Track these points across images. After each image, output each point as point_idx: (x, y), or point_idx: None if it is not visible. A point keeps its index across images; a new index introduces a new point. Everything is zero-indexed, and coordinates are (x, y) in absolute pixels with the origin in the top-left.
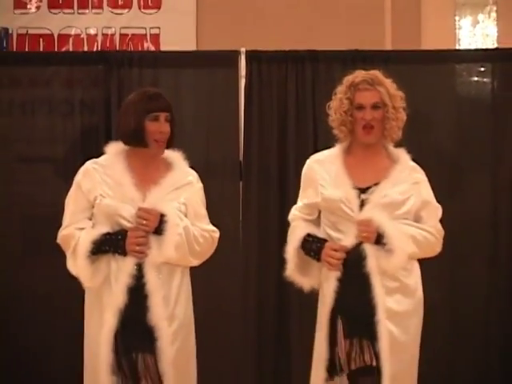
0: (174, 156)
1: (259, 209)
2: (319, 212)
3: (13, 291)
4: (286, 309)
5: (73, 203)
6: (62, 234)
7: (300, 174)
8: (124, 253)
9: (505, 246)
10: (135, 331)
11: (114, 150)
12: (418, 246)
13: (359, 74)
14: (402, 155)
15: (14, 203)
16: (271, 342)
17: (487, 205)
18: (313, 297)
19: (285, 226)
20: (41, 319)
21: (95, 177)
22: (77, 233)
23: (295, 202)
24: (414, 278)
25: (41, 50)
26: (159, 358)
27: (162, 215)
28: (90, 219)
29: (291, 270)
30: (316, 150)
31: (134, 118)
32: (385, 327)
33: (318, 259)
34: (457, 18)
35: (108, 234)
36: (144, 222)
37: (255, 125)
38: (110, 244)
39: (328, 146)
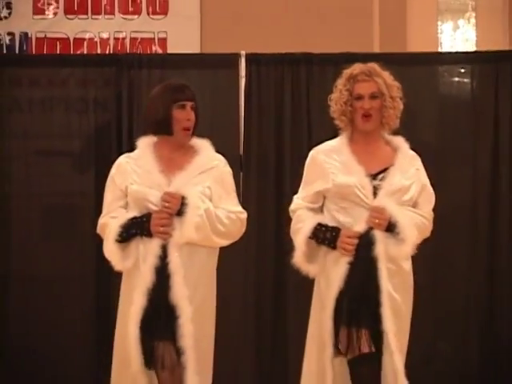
0: (201, 143)
1: (258, 196)
2: (323, 200)
3: (32, 274)
4: (284, 294)
5: (108, 194)
6: (100, 222)
7: (295, 166)
8: (150, 234)
9: (484, 232)
10: (160, 311)
11: (144, 143)
12: (419, 232)
13: (357, 67)
14: (402, 143)
15: (33, 193)
16: (269, 325)
17: (468, 194)
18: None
19: (281, 211)
20: (56, 301)
21: (126, 169)
22: (110, 221)
23: (291, 190)
24: (409, 262)
25: (58, 52)
26: (179, 336)
27: (184, 198)
28: (125, 208)
29: (299, 258)
30: (310, 144)
31: (162, 107)
32: (387, 308)
33: (334, 247)
34: (439, 23)
35: (135, 217)
36: (167, 204)
37: (254, 121)
38: (137, 227)
39: (320, 140)
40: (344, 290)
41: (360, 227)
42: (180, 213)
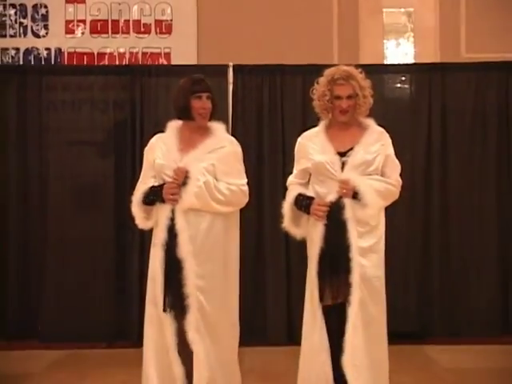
0: (216, 126)
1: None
2: (309, 176)
3: (65, 237)
4: (263, 250)
5: (143, 168)
6: (136, 188)
7: (272, 153)
8: (163, 201)
9: (420, 202)
10: (172, 263)
11: (171, 125)
12: (383, 197)
13: (337, 71)
14: (371, 123)
15: (66, 174)
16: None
17: (407, 178)
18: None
19: (260, 190)
20: (83, 258)
21: (155, 146)
22: (140, 187)
23: (269, 174)
24: (378, 221)
25: (84, 63)
26: (184, 283)
27: (188, 172)
28: (155, 178)
29: (287, 222)
30: (283, 136)
31: (183, 97)
32: (356, 262)
33: (308, 212)
34: (385, 41)
35: (153, 186)
36: (175, 177)
37: (239, 119)
38: (154, 194)
39: (292, 134)
40: (324, 248)
41: (333, 196)
42: (184, 184)
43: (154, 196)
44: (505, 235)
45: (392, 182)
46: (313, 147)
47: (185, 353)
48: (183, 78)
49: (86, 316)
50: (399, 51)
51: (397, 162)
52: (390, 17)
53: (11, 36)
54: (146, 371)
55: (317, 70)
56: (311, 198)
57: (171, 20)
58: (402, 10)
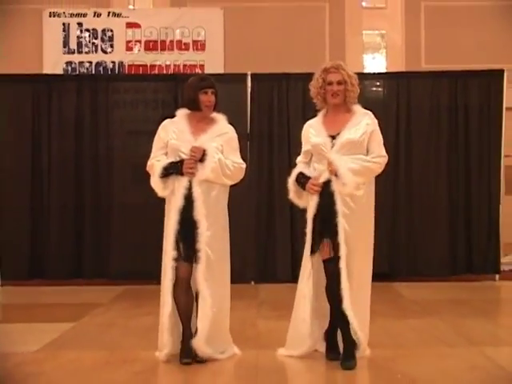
0: (219, 116)
1: (258, 156)
2: (311, 156)
3: (125, 202)
4: (273, 211)
5: (155, 145)
6: (148, 164)
7: (280, 141)
8: (181, 174)
9: (390, 179)
10: (186, 224)
11: (181, 113)
12: (361, 175)
13: (329, 63)
14: (358, 108)
15: (126, 156)
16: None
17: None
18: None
19: (271, 166)
20: (140, 219)
21: (168, 128)
22: (155, 163)
23: (278, 157)
24: (364, 191)
25: (140, 73)
26: (198, 239)
27: (205, 151)
28: (166, 155)
29: (291, 195)
30: (288, 126)
31: (192, 92)
32: (342, 225)
33: (304, 189)
34: (364, 55)
35: (172, 162)
36: (193, 154)
37: (255, 115)
38: (174, 168)
39: (296, 128)
40: (316, 213)
41: (326, 173)
42: (202, 160)
43: (173, 170)
44: (453, 202)
45: (372, 160)
46: (312, 132)
47: (189, 294)
48: (192, 77)
49: (142, 260)
50: (375, 63)
51: (381, 137)
52: (367, 37)
53: (86, 53)
54: (163, 299)
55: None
56: (307, 178)
57: (204, 40)
58: (377, 32)
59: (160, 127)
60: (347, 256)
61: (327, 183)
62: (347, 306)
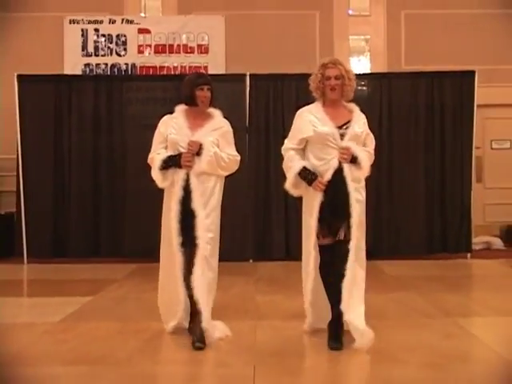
0: (214, 111)
1: (256, 147)
2: (305, 144)
3: (138, 189)
4: (270, 198)
5: (155, 139)
6: (149, 157)
7: (275, 134)
8: (180, 166)
9: None
10: (186, 213)
11: (179, 109)
12: (370, 162)
13: (328, 58)
14: (355, 107)
15: (138, 147)
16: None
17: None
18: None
19: (268, 156)
20: (151, 204)
21: (168, 123)
22: (156, 156)
23: (273, 148)
24: (364, 180)
25: (150, 74)
26: (196, 228)
27: (201, 145)
28: (166, 148)
29: (289, 186)
30: (283, 121)
31: (189, 88)
32: (354, 208)
33: (309, 184)
34: (350, 58)
35: (171, 155)
36: (191, 148)
37: (254, 111)
38: (172, 161)
39: (289, 122)
40: (324, 201)
41: (333, 162)
42: (198, 153)
43: (172, 163)
44: (430, 189)
45: (371, 152)
46: (315, 120)
47: (189, 279)
48: (190, 74)
49: (152, 240)
50: (360, 65)
51: (372, 136)
52: (353, 42)
53: (102, 55)
54: (175, 287)
55: (305, 77)
56: (314, 174)
57: (208, 44)
58: (362, 37)
59: (160, 122)
60: (357, 237)
61: (338, 171)
62: (347, 284)
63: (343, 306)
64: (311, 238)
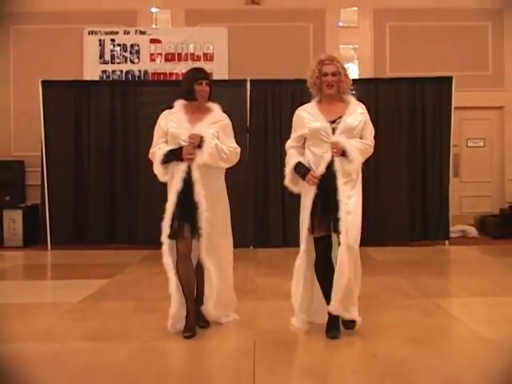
0: (213, 105)
1: (256, 146)
2: (304, 141)
3: (152, 185)
4: (268, 191)
5: (156, 134)
6: (151, 152)
7: (272, 133)
8: (181, 159)
9: None
10: (186, 205)
11: (179, 103)
12: (362, 154)
13: (324, 55)
14: (351, 98)
15: (150, 145)
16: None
17: None
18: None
19: (266, 155)
20: (162, 197)
21: (168, 117)
22: (157, 151)
23: (271, 145)
24: (357, 174)
25: (161, 79)
26: (198, 219)
27: (202, 137)
28: (166, 142)
29: (287, 182)
30: (280, 121)
31: (188, 83)
32: (343, 202)
33: (303, 179)
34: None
35: (172, 149)
36: (192, 141)
37: (254, 113)
38: (174, 154)
39: (285, 123)
40: (317, 195)
41: (327, 155)
42: (199, 146)
43: (173, 156)
44: (412, 183)
45: (368, 143)
46: (308, 117)
47: (197, 270)
48: (188, 70)
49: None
50: (349, 71)
51: (371, 126)
52: (343, 50)
53: (117, 63)
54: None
55: (300, 82)
56: (307, 169)
57: (213, 53)
58: (351, 46)
59: (160, 117)
60: (347, 228)
61: (329, 166)
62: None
63: (335, 304)
64: (303, 233)
